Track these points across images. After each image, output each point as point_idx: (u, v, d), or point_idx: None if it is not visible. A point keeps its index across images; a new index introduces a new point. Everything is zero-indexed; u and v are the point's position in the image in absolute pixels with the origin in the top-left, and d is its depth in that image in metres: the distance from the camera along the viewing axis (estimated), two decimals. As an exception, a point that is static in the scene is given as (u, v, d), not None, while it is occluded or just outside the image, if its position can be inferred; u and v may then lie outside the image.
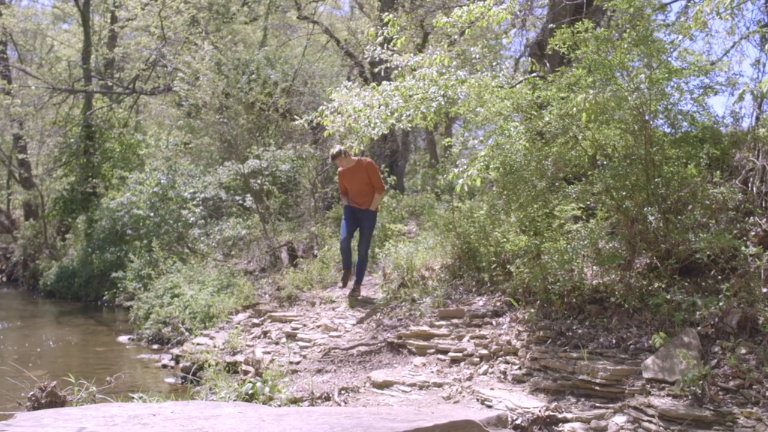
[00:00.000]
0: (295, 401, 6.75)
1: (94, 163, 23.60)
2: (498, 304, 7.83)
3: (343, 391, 6.78)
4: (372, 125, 8.47)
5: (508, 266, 7.75)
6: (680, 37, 6.87)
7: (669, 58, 6.76)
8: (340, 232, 10.39)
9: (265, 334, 9.72)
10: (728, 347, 5.46)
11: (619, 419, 5.24)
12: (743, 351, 5.38)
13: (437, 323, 7.92)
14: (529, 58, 10.24)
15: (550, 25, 9.50)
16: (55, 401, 6.14)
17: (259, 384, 6.91)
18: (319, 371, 7.59)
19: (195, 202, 16.65)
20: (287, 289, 11.06)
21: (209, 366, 8.42)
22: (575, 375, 5.86)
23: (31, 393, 6.21)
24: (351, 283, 10.41)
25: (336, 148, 9.99)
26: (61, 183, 25.14)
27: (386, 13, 9.57)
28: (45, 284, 22.05)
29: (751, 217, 6.56)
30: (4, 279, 27.87)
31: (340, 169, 10.34)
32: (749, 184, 6.94)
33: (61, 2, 32.00)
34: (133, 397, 6.80)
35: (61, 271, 21.43)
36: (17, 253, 26.71)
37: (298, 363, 8.04)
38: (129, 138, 24.11)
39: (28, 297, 22.14)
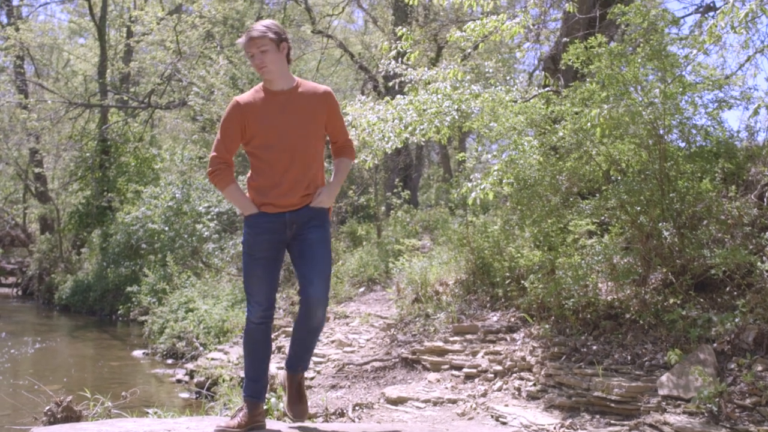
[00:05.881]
0: (309, 417, 6.74)
1: (110, 177, 23.73)
2: (512, 319, 7.81)
3: (357, 407, 6.77)
4: (386, 139, 8.50)
5: (522, 281, 7.72)
6: (694, 51, 6.86)
7: (683, 73, 6.75)
8: (248, 291, 4.43)
9: (279, 349, 9.72)
10: (744, 364, 5.42)
11: (635, 437, 5.21)
12: (760, 368, 5.34)
13: (451, 339, 7.90)
14: (543, 72, 10.25)
15: (564, 39, 9.51)
16: (71, 416, 6.15)
17: (273, 400, 6.91)
18: (333, 387, 7.58)
19: (209, 217, 16.70)
20: (301, 303, 11.05)
21: (223, 381, 8.43)
22: (590, 391, 5.83)
23: (47, 408, 6.22)
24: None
25: (260, 26, 4.27)
26: (76, 197, 25.29)
27: (400, 27, 9.62)
28: (60, 298, 22.12)
29: (767, 233, 6.52)
30: (20, 293, 27.99)
31: (243, 99, 4.36)
32: (765, 199, 6.90)
33: (77, 17, 32.28)
34: (147, 413, 6.81)
35: (76, 285, 21.51)
36: (33, 266, 26.83)
37: (312, 378, 8.03)
38: (144, 152, 24.24)
39: (44, 311, 22.23)
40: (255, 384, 4.42)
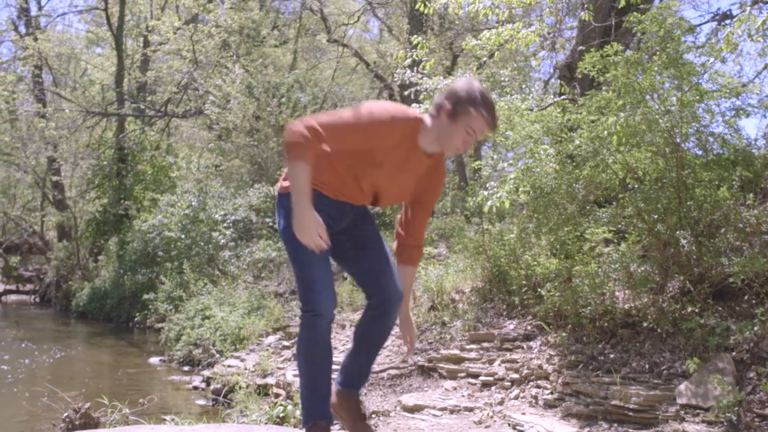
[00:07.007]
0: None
1: (127, 186, 23.89)
2: (529, 327, 7.78)
3: (373, 415, 6.77)
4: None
5: (539, 290, 7.70)
6: (711, 59, 6.84)
7: (700, 81, 6.73)
8: (311, 279, 3.47)
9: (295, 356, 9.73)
10: (764, 373, 5.39)
11: (653, 445, 5.19)
12: (779, 377, 5.31)
13: (468, 347, 7.88)
14: (559, 81, 10.24)
15: (580, 48, 9.50)
16: (89, 423, 6.18)
17: (290, 407, 6.92)
18: (349, 394, 7.57)
19: (226, 224, 16.76)
20: (317, 311, 11.06)
21: (240, 388, 8.45)
22: (608, 400, 5.81)
23: (66, 414, 6.26)
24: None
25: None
26: (93, 205, 25.46)
27: (415, 36, 9.64)
28: (77, 305, 22.22)
29: (786, 241, 6.48)
30: (38, 300, 28.19)
31: (401, 130, 3.49)
32: (783, 207, 6.86)
33: (95, 27, 32.54)
34: (165, 419, 6.84)
35: (93, 293, 21.61)
36: (50, 274, 27.01)
37: (328, 386, 8.03)
38: (161, 160, 24.37)
39: (61, 318, 22.34)
40: (327, 399, 3.60)
